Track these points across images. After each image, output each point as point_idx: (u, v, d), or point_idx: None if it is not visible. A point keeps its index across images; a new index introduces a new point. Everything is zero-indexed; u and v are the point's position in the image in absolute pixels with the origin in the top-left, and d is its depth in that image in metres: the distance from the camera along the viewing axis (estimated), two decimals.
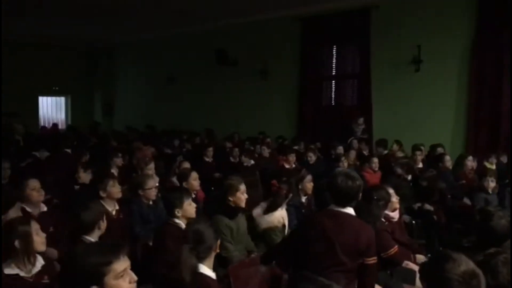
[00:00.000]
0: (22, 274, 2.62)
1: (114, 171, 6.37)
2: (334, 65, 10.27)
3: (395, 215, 4.06)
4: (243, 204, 3.95)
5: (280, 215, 4.22)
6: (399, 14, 8.94)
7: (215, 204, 4.09)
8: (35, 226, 2.73)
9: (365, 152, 8.27)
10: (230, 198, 3.88)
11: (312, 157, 7.53)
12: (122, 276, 1.95)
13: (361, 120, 9.24)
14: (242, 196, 3.92)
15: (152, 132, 11.95)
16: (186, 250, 2.46)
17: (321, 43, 10.25)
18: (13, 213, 3.42)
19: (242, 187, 3.94)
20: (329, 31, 9.90)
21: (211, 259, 2.58)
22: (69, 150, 7.59)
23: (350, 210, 3.00)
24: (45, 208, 4.07)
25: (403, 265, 3.78)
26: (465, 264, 1.95)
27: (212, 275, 2.55)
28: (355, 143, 8.59)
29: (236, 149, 8.23)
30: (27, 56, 13.69)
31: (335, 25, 9.73)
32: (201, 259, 2.51)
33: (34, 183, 3.92)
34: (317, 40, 10.19)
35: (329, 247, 2.87)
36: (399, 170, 6.26)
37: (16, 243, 2.63)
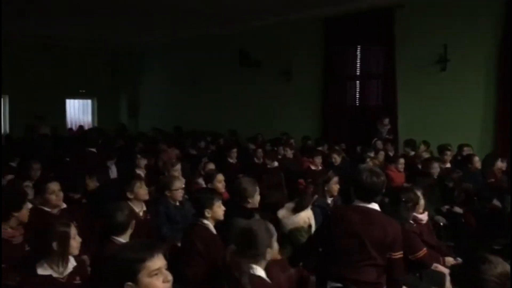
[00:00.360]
0: (55, 275, 2.65)
1: (141, 172, 6.46)
2: (358, 65, 10.20)
3: (424, 217, 4.02)
4: (257, 205, 4.01)
5: (306, 216, 4.19)
6: (424, 12, 8.82)
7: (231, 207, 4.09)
8: (74, 231, 2.76)
9: (391, 153, 8.18)
10: (249, 200, 3.92)
11: (336, 158, 7.47)
12: (156, 274, 1.96)
13: (386, 120, 9.15)
14: (258, 197, 3.99)
15: (177, 134, 12.05)
16: (233, 251, 2.42)
17: (345, 43, 10.18)
18: (26, 210, 3.43)
19: (257, 189, 4.00)
20: (353, 31, 9.82)
21: (265, 262, 2.55)
22: (94, 149, 7.72)
23: (375, 206, 3.02)
24: (64, 205, 4.10)
25: (432, 267, 3.73)
26: (502, 265, 1.92)
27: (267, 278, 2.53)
28: (379, 144, 8.50)
29: (260, 150, 8.24)
30: (55, 59, 13.97)
31: (359, 25, 9.65)
32: (255, 261, 2.50)
33: (53, 187, 3.95)
34: (341, 40, 10.13)
35: (359, 242, 2.87)
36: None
37: (54, 244, 2.65)
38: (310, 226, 4.23)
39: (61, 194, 4.03)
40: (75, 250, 2.76)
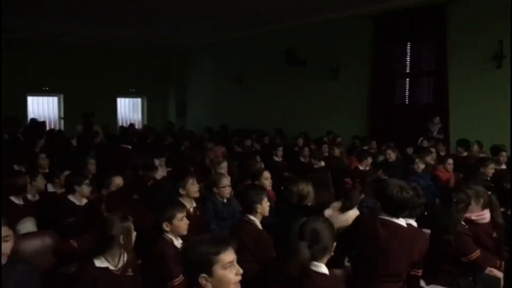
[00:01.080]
0: (111, 267, 2.74)
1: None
2: (408, 62, 9.95)
3: (483, 218, 3.88)
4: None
5: (354, 215, 4.12)
6: (478, 8, 8.50)
7: (289, 207, 4.10)
8: (132, 225, 2.84)
9: (442, 153, 7.94)
10: (307, 200, 3.98)
11: (391, 155, 7.30)
12: (229, 267, 2.08)
13: (437, 119, 8.90)
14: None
15: (223, 132, 12.19)
16: (303, 247, 2.42)
17: (395, 41, 9.97)
18: None
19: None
20: (403, 28, 9.61)
21: (325, 260, 2.56)
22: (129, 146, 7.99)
23: (402, 221, 2.96)
24: None
25: (486, 271, 3.60)
26: None
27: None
28: (425, 143, 8.25)
29: (306, 149, 8.20)
30: (107, 59, 14.53)
31: (409, 21, 9.43)
32: (322, 257, 2.51)
33: (118, 180, 4.12)
34: (390, 38, 9.92)
35: (384, 257, 2.83)
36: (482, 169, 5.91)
37: (120, 238, 2.74)
38: None
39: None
40: (131, 244, 2.83)
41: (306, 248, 2.40)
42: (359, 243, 2.98)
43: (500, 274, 3.52)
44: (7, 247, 2.52)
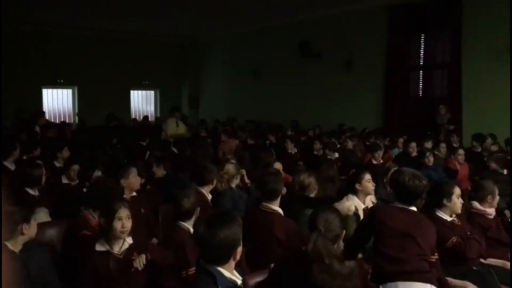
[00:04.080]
0: (112, 251, 2.83)
1: None
2: (422, 55, 9.88)
3: (492, 211, 3.87)
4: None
5: (352, 204, 4.06)
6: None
7: (290, 198, 4.12)
8: (123, 213, 2.86)
9: (455, 145, 7.87)
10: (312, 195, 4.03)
11: (414, 149, 7.08)
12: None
13: (443, 109, 8.84)
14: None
15: (233, 125, 12.18)
16: (320, 237, 2.40)
17: (409, 32, 9.91)
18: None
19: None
20: (417, 20, 9.54)
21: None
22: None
23: (415, 209, 3.03)
24: (134, 193, 4.22)
25: (500, 265, 3.60)
26: None
27: None
28: (430, 137, 8.07)
29: (318, 142, 8.18)
30: (121, 52, 14.61)
31: (424, 13, 9.36)
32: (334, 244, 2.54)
33: (135, 171, 4.17)
34: (404, 29, 9.87)
35: (411, 240, 2.86)
36: (493, 165, 5.92)
37: (101, 221, 2.85)
38: (357, 215, 4.12)
39: (139, 179, 4.22)
40: (119, 233, 2.83)
41: (321, 236, 2.41)
42: (377, 232, 2.98)
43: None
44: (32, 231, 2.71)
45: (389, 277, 2.85)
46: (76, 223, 3.38)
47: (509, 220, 5.04)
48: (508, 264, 3.59)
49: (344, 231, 2.72)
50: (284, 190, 3.72)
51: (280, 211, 3.55)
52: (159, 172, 5.51)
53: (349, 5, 10.50)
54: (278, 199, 3.59)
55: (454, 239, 3.35)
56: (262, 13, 11.55)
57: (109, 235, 2.83)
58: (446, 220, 3.50)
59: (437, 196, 3.55)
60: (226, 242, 2.07)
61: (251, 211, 3.76)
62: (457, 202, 3.51)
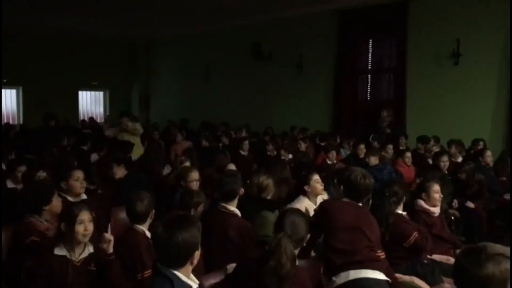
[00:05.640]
0: (69, 257, 2.75)
1: None
2: (370, 59, 10.19)
3: (436, 210, 4.07)
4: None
5: (303, 205, 4.05)
6: (438, 6, 8.80)
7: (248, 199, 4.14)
8: (85, 216, 2.80)
9: (402, 147, 8.16)
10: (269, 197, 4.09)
11: (363, 151, 7.35)
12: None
13: (384, 113, 9.17)
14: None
15: (184, 126, 12.07)
16: (286, 237, 2.41)
17: (358, 36, 10.17)
18: (56, 201, 3.48)
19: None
20: (366, 24, 9.80)
21: (297, 251, 2.59)
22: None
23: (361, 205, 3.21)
24: (85, 197, 4.09)
25: (445, 260, 3.78)
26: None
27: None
28: (375, 143, 8.18)
29: (270, 144, 8.25)
30: (68, 51, 14.12)
31: (372, 18, 9.63)
32: (296, 247, 2.55)
33: (78, 174, 3.97)
34: (354, 33, 10.11)
35: (361, 233, 2.97)
36: (463, 175, 6.02)
37: (62, 225, 2.77)
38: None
39: (84, 183, 4.06)
40: (81, 237, 2.78)
41: (286, 238, 2.44)
42: (327, 227, 3.06)
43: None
44: None
45: (341, 268, 2.93)
46: (21, 230, 3.26)
47: (452, 218, 5.33)
48: (452, 259, 3.77)
49: (309, 234, 2.75)
50: (241, 191, 3.72)
51: (237, 212, 3.57)
52: (120, 172, 5.29)
53: (301, 8, 10.65)
54: (236, 200, 3.60)
55: (416, 234, 3.52)
56: (214, 14, 11.53)
57: (69, 240, 2.76)
58: (406, 217, 3.70)
59: (397, 195, 3.71)
60: (184, 245, 2.03)
61: (208, 212, 3.74)
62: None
